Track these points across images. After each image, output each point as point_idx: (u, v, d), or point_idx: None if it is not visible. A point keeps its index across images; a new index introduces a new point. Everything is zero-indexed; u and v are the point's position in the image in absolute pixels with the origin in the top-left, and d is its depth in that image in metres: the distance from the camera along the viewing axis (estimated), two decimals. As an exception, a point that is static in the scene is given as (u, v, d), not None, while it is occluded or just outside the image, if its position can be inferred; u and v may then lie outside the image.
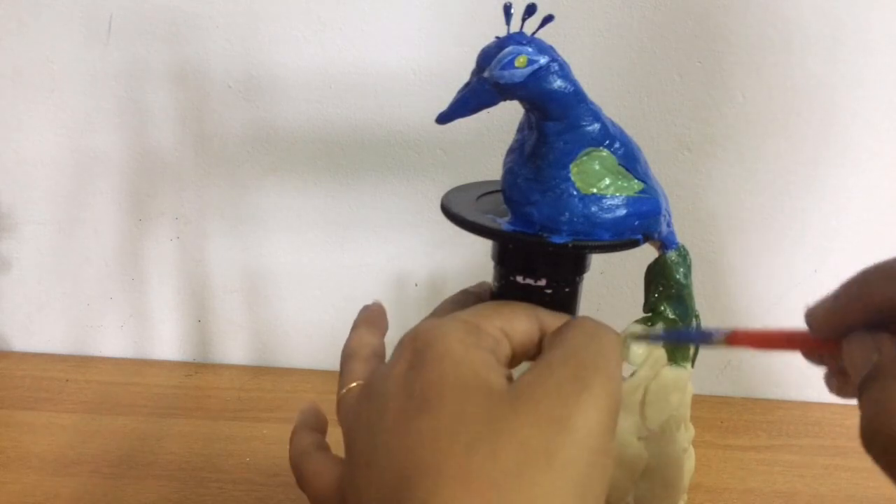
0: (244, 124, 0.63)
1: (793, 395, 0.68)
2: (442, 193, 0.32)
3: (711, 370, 0.69)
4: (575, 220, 0.28)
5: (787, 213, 0.64)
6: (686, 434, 0.32)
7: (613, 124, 0.29)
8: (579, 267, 0.31)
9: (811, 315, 0.25)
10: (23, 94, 0.63)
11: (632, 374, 0.31)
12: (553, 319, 0.27)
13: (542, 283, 0.30)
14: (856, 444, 0.22)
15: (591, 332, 0.25)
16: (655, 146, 0.62)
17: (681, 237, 0.32)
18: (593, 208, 0.28)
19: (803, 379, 0.68)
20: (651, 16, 0.58)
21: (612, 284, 0.66)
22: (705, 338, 0.27)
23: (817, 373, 0.27)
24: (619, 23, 0.58)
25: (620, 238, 0.28)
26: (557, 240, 0.28)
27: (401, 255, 0.67)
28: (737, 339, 0.26)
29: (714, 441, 0.62)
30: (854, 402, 0.23)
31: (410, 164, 0.64)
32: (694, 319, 0.32)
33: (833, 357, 0.24)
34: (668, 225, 0.31)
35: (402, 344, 0.26)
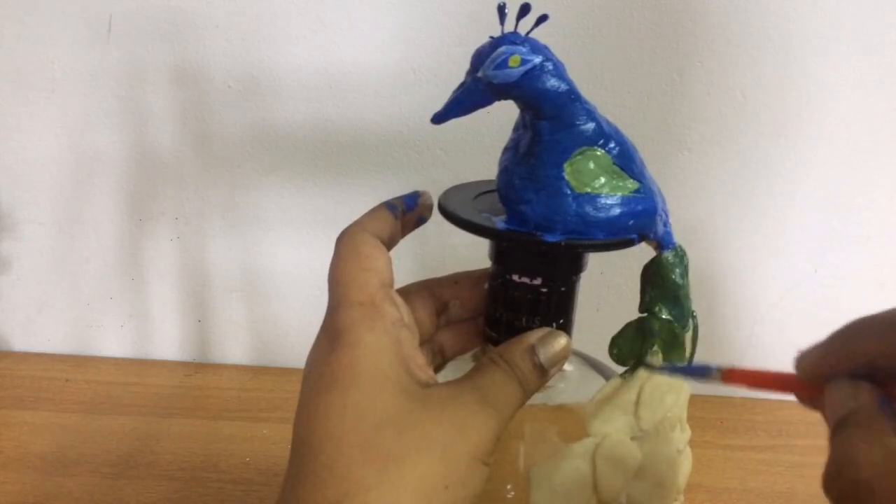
0: (244, 124, 0.63)
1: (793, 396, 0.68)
2: (441, 193, 0.33)
3: (712, 370, 0.69)
4: (569, 218, 0.28)
5: (787, 213, 0.64)
6: (682, 435, 0.32)
7: (608, 123, 0.29)
8: (575, 266, 0.31)
9: (800, 360, 0.25)
10: (23, 94, 0.63)
11: (624, 373, 0.31)
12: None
13: (538, 281, 0.30)
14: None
15: (499, 383, 0.27)
16: (655, 146, 0.62)
17: (679, 237, 0.32)
18: (587, 207, 0.28)
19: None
20: (651, 16, 0.58)
21: (611, 284, 0.66)
22: (702, 373, 0.28)
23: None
24: (619, 23, 0.58)
25: (615, 237, 0.29)
26: (551, 238, 0.28)
27: (400, 254, 0.67)
28: (732, 377, 0.27)
29: (714, 441, 0.62)
30: None
31: (410, 164, 0.64)
32: (691, 320, 0.32)
33: (821, 402, 0.25)
34: (665, 225, 0.31)
35: (323, 326, 0.28)
